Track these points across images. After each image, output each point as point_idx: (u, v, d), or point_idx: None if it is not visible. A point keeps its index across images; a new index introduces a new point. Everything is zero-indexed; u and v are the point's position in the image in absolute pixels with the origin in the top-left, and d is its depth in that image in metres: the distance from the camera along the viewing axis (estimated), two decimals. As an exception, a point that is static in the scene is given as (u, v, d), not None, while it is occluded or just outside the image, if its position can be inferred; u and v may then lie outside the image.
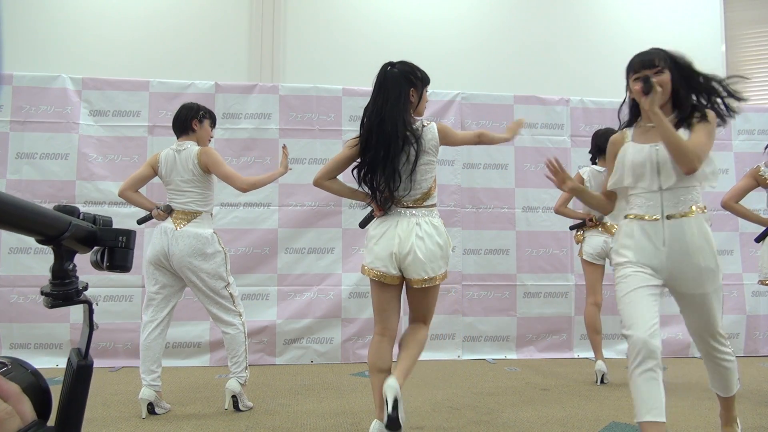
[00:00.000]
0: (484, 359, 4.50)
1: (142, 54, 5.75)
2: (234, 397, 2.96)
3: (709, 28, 6.65)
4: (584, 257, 3.84)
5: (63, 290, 0.62)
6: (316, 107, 4.60)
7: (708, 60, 7.26)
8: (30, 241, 4.14)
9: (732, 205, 3.32)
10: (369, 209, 2.57)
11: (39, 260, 4.16)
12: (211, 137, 3.23)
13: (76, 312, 4.16)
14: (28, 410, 0.48)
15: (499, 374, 4.01)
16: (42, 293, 0.64)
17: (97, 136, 4.35)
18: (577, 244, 3.98)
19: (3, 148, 4.23)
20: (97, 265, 0.68)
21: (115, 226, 0.68)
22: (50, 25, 5.70)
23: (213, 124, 3.23)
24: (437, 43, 6.12)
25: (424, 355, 4.44)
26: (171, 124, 3.16)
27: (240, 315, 3.06)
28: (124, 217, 3.99)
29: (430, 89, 4.34)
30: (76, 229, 0.63)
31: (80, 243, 0.64)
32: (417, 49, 6.18)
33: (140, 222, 3.31)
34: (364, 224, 2.59)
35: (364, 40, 6.04)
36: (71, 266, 0.64)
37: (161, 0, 5.94)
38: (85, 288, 0.65)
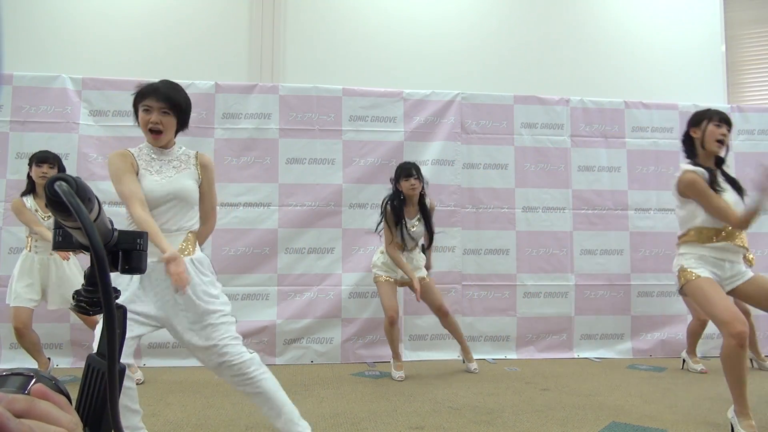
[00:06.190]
0: (484, 359, 4.50)
1: (142, 54, 5.75)
2: None
3: (709, 28, 6.64)
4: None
5: (99, 296, 0.59)
6: (316, 107, 4.60)
7: (708, 60, 7.26)
8: (30, 241, 4.14)
9: None
10: None
11: (39, 260, 4.15)
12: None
13: (76, 312, 4.15)
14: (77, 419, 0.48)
15: (499, 374, 4.01)
16: (75, 299, 0.61)
17: (97, 136, 4.34)
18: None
19: (3, 148, 4.23)
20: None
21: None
22: (50, 25, 5.69)
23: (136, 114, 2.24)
24: (437, 43, 6.12)
25: (424, 355, 4.50)
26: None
27: None
28: (123, 218, 3.98)
29: (430, 89, 4.32)
30: (113, 237, 0.62)
31: (107, 248, 0.63)
32: (417, 49, 6.19)
33: None
34: None
35: (365, 40, 6.04)
36: None
37: (161, 0, 5.94)
38: (118, 294, 0.62)
